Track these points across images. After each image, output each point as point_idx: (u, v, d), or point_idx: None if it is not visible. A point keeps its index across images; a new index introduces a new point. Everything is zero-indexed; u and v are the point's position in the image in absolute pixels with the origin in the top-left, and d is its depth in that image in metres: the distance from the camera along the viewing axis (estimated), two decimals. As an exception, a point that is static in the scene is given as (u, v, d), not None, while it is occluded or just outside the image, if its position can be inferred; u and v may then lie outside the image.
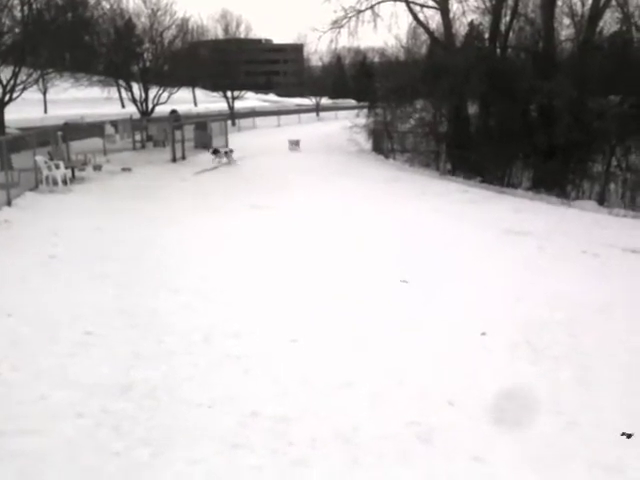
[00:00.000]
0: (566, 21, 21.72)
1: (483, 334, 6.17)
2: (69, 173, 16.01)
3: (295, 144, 26.19)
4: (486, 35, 24.29)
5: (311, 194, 15.38)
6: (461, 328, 6.41)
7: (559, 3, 20.85)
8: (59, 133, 18.65)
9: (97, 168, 18.71)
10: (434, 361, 5.61)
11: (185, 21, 38.03)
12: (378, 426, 4.47)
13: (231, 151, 21.93)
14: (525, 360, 5.68)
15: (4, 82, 17.75)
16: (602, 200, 15.72)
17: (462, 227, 11.86)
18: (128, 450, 4.06)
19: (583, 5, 20.71)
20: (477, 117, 22.52)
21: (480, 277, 8.35)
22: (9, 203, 12.27)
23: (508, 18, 22.19)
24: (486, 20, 24.05)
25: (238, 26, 57.63)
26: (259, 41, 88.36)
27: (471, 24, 26.77)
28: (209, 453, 4.07)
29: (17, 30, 18.90)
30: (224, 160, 21.02)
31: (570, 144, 17.19)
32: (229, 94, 44.65)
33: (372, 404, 4.81)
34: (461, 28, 26.45)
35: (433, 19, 37.56)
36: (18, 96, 18.42)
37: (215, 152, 20.74)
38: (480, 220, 12.71)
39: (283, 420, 4.50)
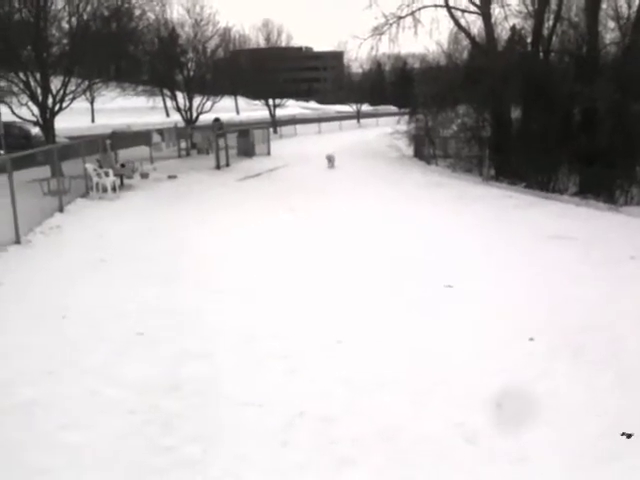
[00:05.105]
0: (611, 24, 21.34)
1: (531, 339, 6.15)
2: (118, 180, 16.43)
3: (330, 160, 23.54)
4: (528, 39, 24.01)
5: (349, 199, 15.49)
6: (507, 332, 6.40)
7: (604, 6, 20.46)
8: (107, 141, 19.09)
9: (144, 176, 19.10)
10: (479, 361, 5.63)
11: (227, 30, 38.73)
12: (421, 426, 4.54)
13: (131, 162, 19.35)
14: (566, 364, 5.65)
15: (54, 92, 18.25)
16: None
17: (506, 232, 11.77)
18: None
19: (629, 7, 20.29)
20: (519, 122, 22.26)
21: (524, 282, 8.30)
22: (61, 209, 12.68)
23: (551, 22, 21.90)
24: (528, 24, 23.75)
25: (279, 35, 58.75)
26: (299, 49, 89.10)
27: (513, 28, 26.45)
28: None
29: (65, 41, 19.40)
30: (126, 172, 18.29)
31: (612, 148, 16.88)
32: (270, 102, 45.11)
33: (414, 404, 4.87)
34: (503, 33, 26.11)
35: (475, 24, 36.86)
36: (67, 106, 18.87)
37: (122, 166, 18.21)
38: (525, 225, 12.59)
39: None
